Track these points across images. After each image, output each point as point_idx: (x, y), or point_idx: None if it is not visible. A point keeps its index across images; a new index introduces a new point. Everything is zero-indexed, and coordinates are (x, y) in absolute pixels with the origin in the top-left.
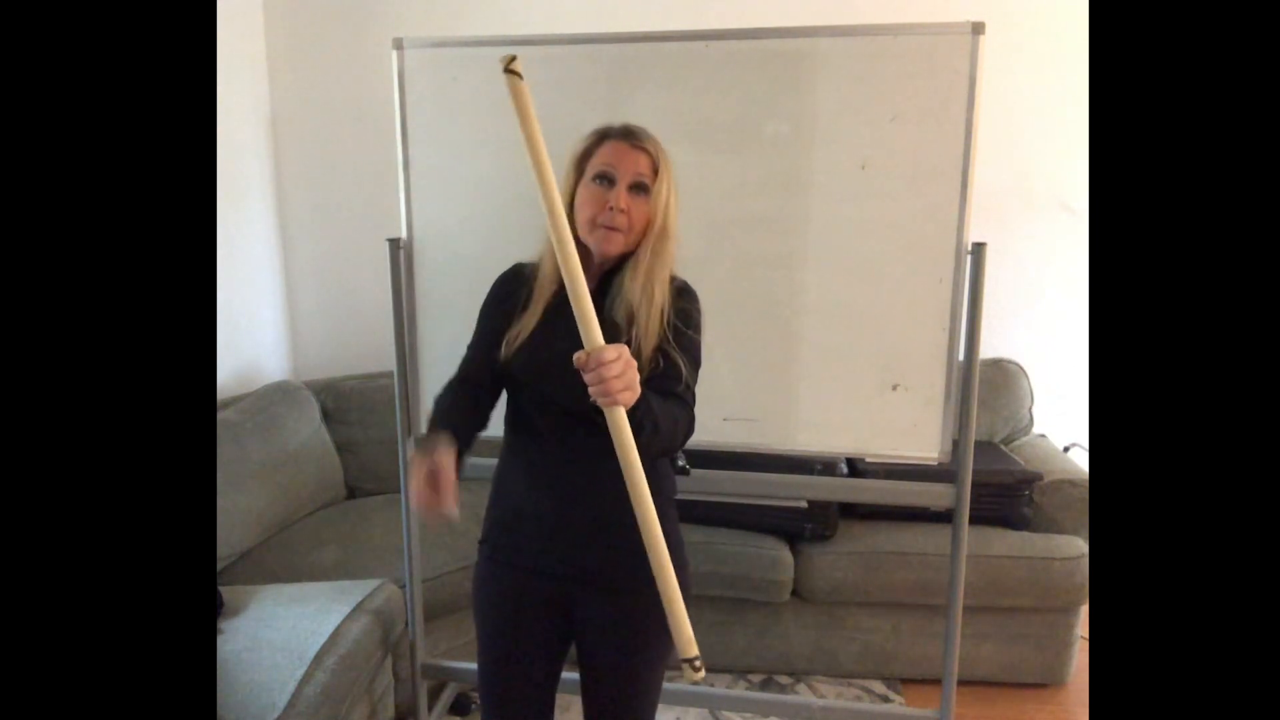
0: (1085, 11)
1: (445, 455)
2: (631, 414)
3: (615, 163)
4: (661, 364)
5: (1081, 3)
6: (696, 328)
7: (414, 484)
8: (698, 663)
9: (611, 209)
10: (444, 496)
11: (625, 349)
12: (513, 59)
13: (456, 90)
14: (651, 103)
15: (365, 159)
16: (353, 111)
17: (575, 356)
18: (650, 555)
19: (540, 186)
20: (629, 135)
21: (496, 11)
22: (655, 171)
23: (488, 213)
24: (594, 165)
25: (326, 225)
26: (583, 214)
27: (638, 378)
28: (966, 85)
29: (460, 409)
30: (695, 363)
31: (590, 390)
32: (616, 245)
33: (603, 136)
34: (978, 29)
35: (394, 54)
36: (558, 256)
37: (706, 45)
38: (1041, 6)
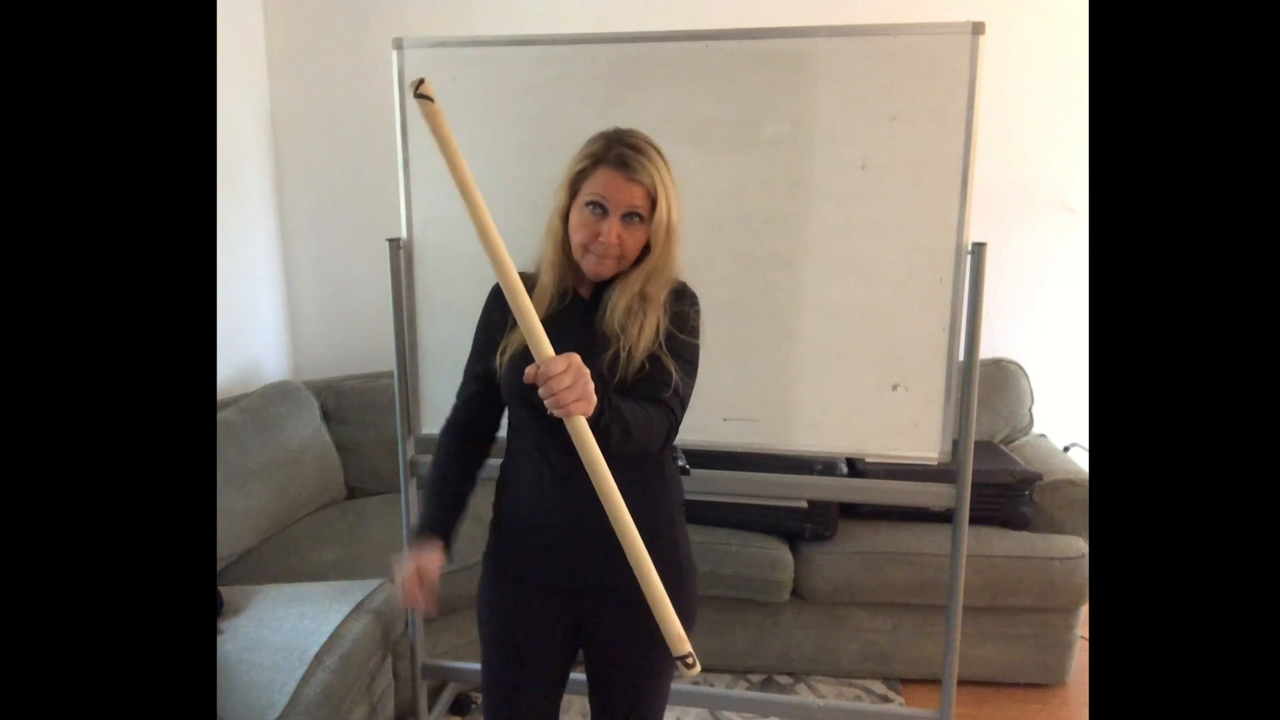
0: (1085, 12)
1: (432, 561)
2: (595, 421)
3: (608, 194)
4: (650, 369)
5: (1081, 3)
6: (692, 331)
7: (400, 579)
8: (690, 659)
9: (603, 241)
10: (428, 600)
11: (575, 358)
12: (420, 82)
13: (456, 90)
14: (651, 103)
15: (365, 159)
16: (353, 111)
17: (525, 371)
18: (630, 558)
19: (468, 208)
20: (624, 165)
21: (496, 11)
22: (652, 199)
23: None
24: (587, 191)
25: (326, 225)
26: (575, 237)
27: (591, 386)
28: (966, 85)
29: (456, 474)
30: (690, 366)
31: (545, 403)
32: (608, 270)
33: (598, 161)
34: (978, 29)
35: (394, 54)
36: (496, 275)
37: (706, 45)
38: (1041, 6)
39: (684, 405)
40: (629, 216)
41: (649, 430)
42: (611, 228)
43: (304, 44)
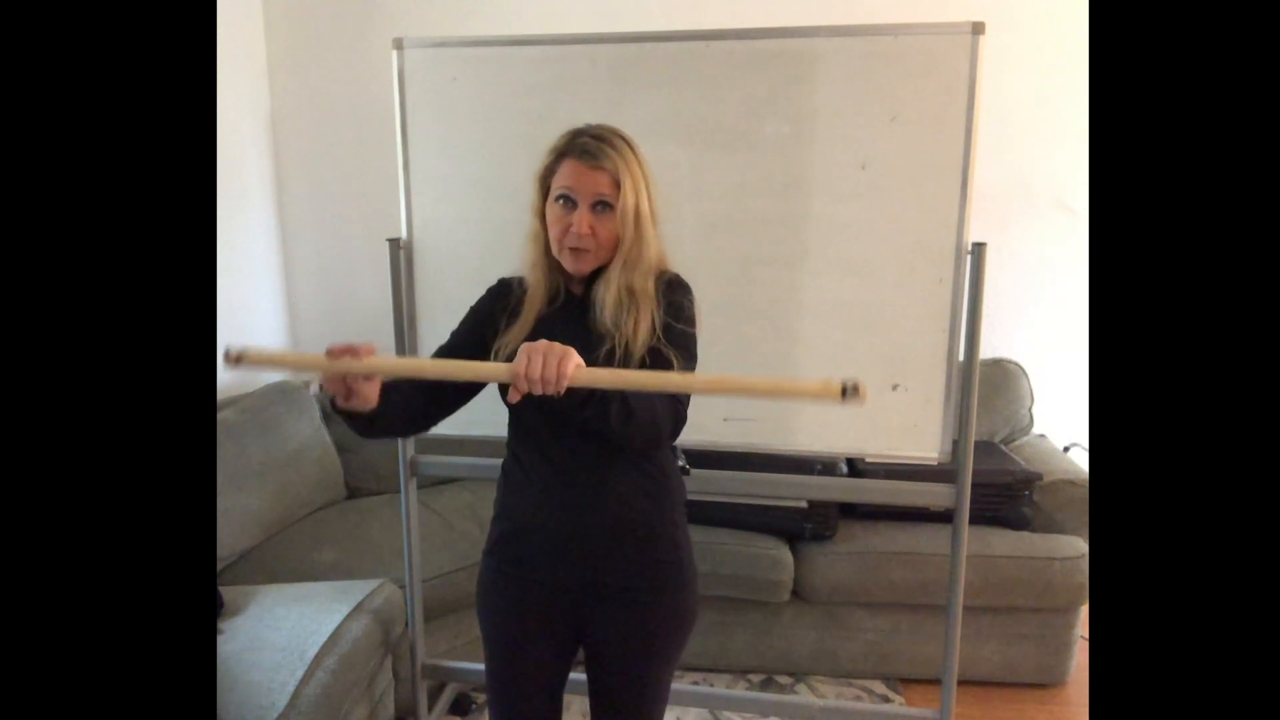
0: (1085, 11)
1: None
2: (590, 394)
3: (574, 184)
4: (650, 363)
5: (1081, 3)
6: (689, 320)
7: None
8: (848, 388)
9: (574, 232)
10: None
11: (526, 345)
12: (238, 356)
13: (456, 90)
14: (651, 103)
15: (365, 159)
16: (353, 111)
17: (509, 396)
18: (729, 389)
19: (363, 369)
20: (586, 154)
21: (496, 11)
22: (618, 185)
23: (487, 213)
24: (556, 185)
25: (326, 225)
26: (551, 233)
27: (558, 345)
28: (966, 85)
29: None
30: (689, 356)
31: (545, 391)
32: (587, 264)
33: (561, 154)
34: (978, 29)
35: (394, 54)
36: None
37: (706, 45)
38: (1041, 6)
39: (686, 398)
40: (598, 205)
41: (652, 411)
42: (581, 218)
43: (304, 45)
